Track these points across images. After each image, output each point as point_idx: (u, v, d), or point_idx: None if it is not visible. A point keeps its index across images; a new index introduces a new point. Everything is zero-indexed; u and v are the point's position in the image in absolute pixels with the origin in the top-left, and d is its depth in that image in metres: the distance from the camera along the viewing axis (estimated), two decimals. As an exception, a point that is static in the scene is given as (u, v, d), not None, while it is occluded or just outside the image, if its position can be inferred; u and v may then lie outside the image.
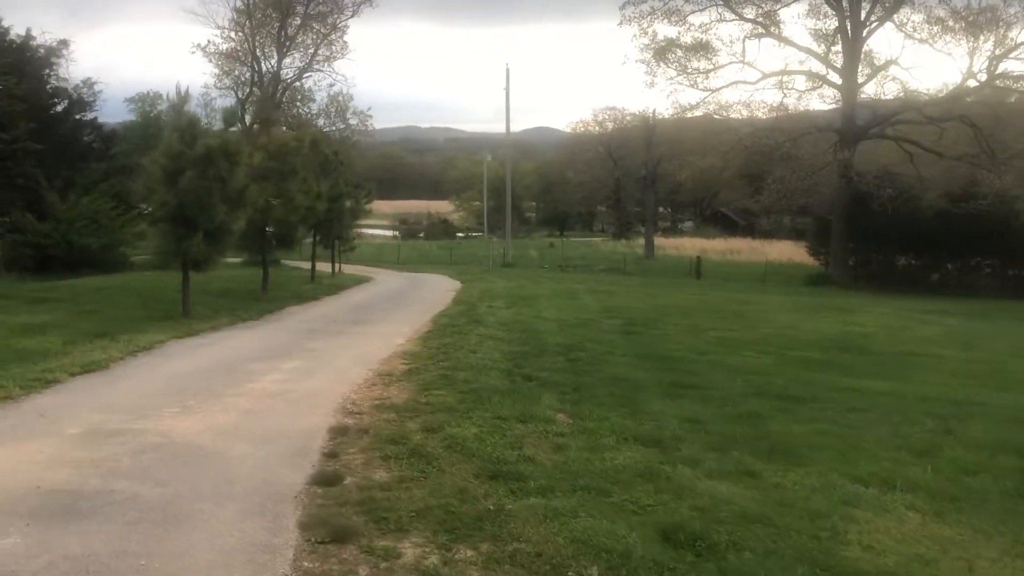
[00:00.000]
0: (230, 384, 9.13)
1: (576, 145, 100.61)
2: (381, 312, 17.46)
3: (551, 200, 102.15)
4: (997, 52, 34.90)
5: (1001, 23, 34.76)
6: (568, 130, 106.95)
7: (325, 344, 12.54)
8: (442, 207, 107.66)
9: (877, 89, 39.30)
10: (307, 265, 25.19)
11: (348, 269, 29.86)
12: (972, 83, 35.90)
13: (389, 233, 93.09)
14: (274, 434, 6.94)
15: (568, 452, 6.55)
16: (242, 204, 14.81)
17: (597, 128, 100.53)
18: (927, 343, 15.24)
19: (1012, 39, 34.92)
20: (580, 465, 6.15)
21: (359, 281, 26.61)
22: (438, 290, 24.14)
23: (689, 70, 40.61)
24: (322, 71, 44.73)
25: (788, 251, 57.54)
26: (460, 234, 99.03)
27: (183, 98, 14.63)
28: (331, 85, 45.59)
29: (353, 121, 48.17)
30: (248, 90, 43.25)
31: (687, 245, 67.46)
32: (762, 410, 8.46)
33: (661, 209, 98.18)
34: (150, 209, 15.36)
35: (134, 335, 12.44)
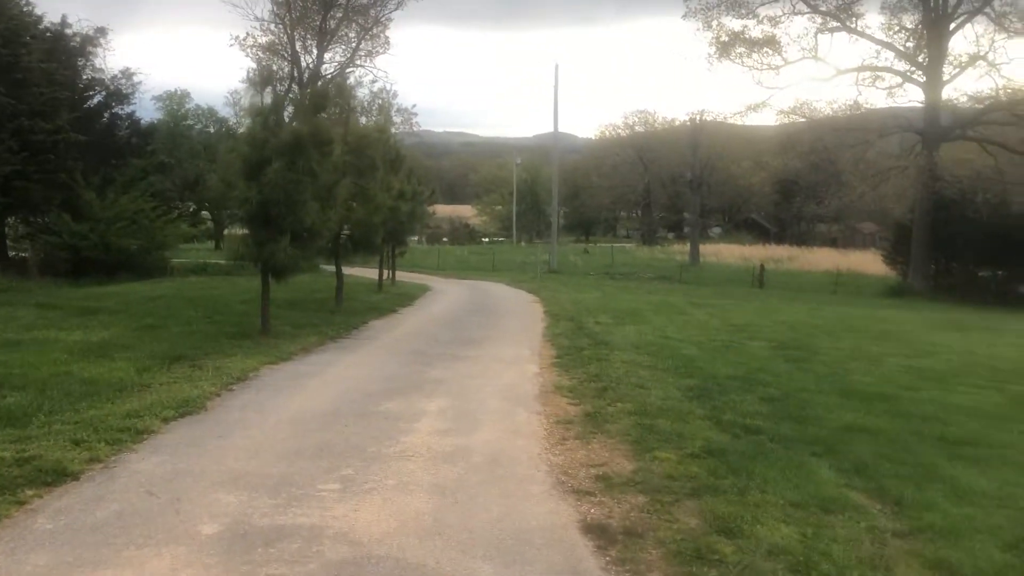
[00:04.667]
0: (379, 437, 6.86)
1: (602, 149, 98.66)
2: (478, 329, 15.19)
3: (578, 205, 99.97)
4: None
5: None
6: (593, 136, 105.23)
7: (449, 373, 10.27)
8: (463, 211, 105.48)
9: (965, 87, 36.82)
10: (350, 271, 22.70)
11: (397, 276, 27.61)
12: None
13: (413, 238, 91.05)
14: (508, 539, 4.67)
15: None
16: (332, 203, 12.57)
17: (625, 132, 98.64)
18: None
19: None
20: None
21: (423, 290, 24.37)
22: (515, 301, 21.90)
23: (757, 66, 38.14)
24: (364, 66, 42.61)
25: (831, 258, 55.26)
26: (485, 239, 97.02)
27: (265, 77, 12.43)
28: (373, 81, 43.42)
29: (398, 119, 45.92)
30: (288, 85, 41.10)
31: (724, 252, 65.17)
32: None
33: (688, 215, 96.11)
34: (228, 209, 13.06)
35: (217, 360, 10.26)
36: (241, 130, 12.02)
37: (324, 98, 12.98)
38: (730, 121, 45.35)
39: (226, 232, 60.15)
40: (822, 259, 56.86)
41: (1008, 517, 5.38)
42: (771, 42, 38.76)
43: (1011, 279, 36.16)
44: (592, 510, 5.19)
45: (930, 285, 35.42)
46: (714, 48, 39.18)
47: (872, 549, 4.72)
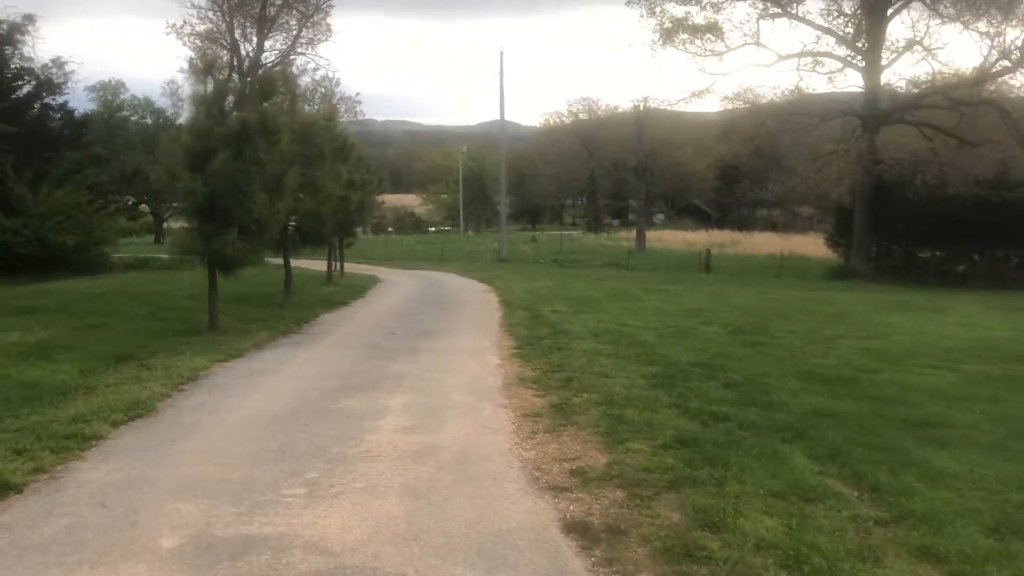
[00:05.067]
0: (342, 437, 6.60)
1: (547, 137, 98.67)
2: (434, 320, 14.93)
3: (524, 193, 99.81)
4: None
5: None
6: (537, 124, 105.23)
7: (409, 367, 10.02)
8: (408, 201, 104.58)
9: (903, 71, 37.42)
10: (297, 264, 22.05)
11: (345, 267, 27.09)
12: (1004, 64, 34.00)
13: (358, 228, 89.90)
14: (488, 542, 4.47)
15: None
16: (281, 193, 12.20)
17: (570, 120, 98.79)
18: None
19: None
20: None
21: (373, 281, 23.97)
22: (468, 290, 21.67)
23: (701, 52, 38.27)
24: (305, 55, 41.74)
25: (773, 242, 56.04)
26: (432, 228, 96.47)
27: (208, 64, 11.98)
28: (315, 70, 42.57)
29: (341, 108, 45.09)
30: (227, 74, 40.04)
31: (669, 237, 65.72)
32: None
33: (632, 202, 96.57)
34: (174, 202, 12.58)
35: (166, 358, 9.86)
36: (183, 120, 11.52)
37: (271, 85, 12.58)
38: (674, 108, 45.54)
39: (165, 226, 58.90)
40: (764, 243, 57.63)
41: (984, 500, 5.35)
42: (714, 28, 38.89)
43: (949, 260, 37.00)
44: (571, 507, 5.02)
45: (872, 267, 35.99)
46: (658, 35, 39.20)
47: (858, 539, 4.63)
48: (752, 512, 4.92)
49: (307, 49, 41.72)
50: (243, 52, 41.21)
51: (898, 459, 6.27)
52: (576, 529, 4.64)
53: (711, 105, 76.73)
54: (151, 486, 5.35)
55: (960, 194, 32.62)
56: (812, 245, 51.22)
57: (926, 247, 37.22)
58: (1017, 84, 34.75)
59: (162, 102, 60.97)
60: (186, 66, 40.05)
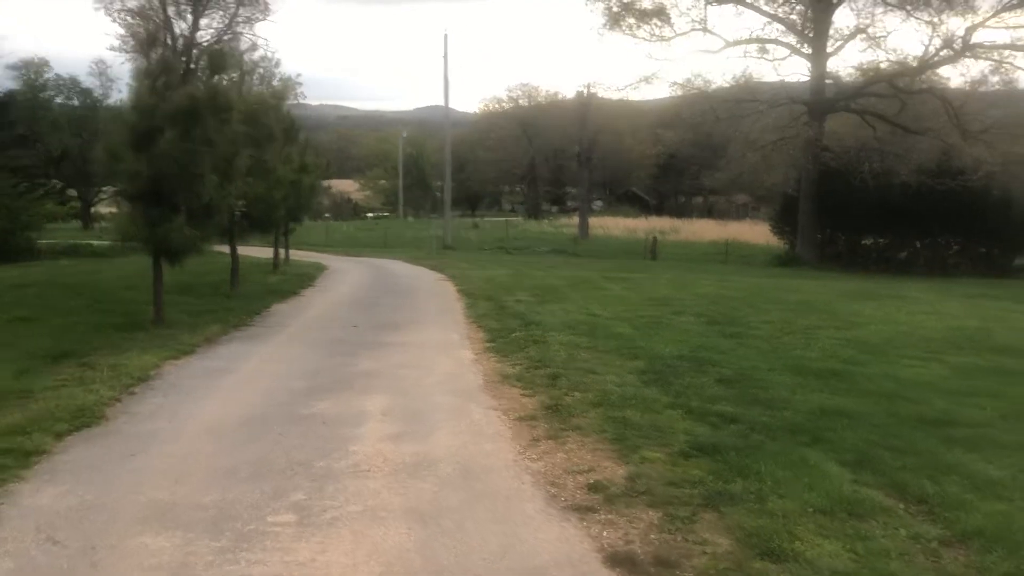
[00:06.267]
0: (323, 448, 5.88)
1: (486, 123, 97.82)
2: (394, 311, 14.17)
3: (463, 179, 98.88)
4: (973, 21, 33.42)
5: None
6: (476, 110, 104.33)
7: (379, 363, 9.29)
8: (344, 186, 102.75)
9: (850, 59, 37.66)
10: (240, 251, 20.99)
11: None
12: (947, 53, 34.36)
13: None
14: (522, 580, 3.84)
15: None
16: (232, 176, 11.31)
17: (510, 105, 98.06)
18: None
19: (988, 8, 33.50)
20: None
21: (320, 269, 22.99)
22: (421, 279, 20.89)
23: (648, 37, 37.95)
24: (244, 33, 40.20)
25: (713, 229, 56.52)
26: (370, 214, 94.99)
27: (151, 36, 11.02)
28: (254, 49, 41.03)
29: (270, 91, 43.49)
30: (160, 53, 38.25)
31: (610, 224, 65.63)
32: None
33: (571, 189, 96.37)
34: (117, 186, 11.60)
35: (110, 356, 8.97)
36: (121, 98, 10.56)
37: (221, 58, 11.64)
38: (621, 94, 45.15)
39: (93, 211, 56.53)
40: (704, 230, 58.07)
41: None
42: (661, 13, 38.60)
43: (892, 247, 37.48)
44: (605, 533, 4.41)
45: (817, 254, 36.23)
46: (605, 18, 38.77)
47: (930, 564, 4.14)
48: (807, 535, 4.38)
49: (245, 27, 40.21)
50: (176, 31, 39.49)
51: (931, 464, 5.82)
52: (621, 562, 4.03)
53: (656, 92, 76.63)
54: (111, 514, 4.58)
55: (904, 182, 32.98)
56: (752, 232, 51.67)
57: (869, 235, 37.64)
58: (959, 73, 35.23)
59: (89, 82, 58.39)
60: (116, 44, 38.28)
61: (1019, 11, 32.58)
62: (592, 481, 5.25)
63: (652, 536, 4.36)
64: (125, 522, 4.47)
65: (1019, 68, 34.08)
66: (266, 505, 4.74)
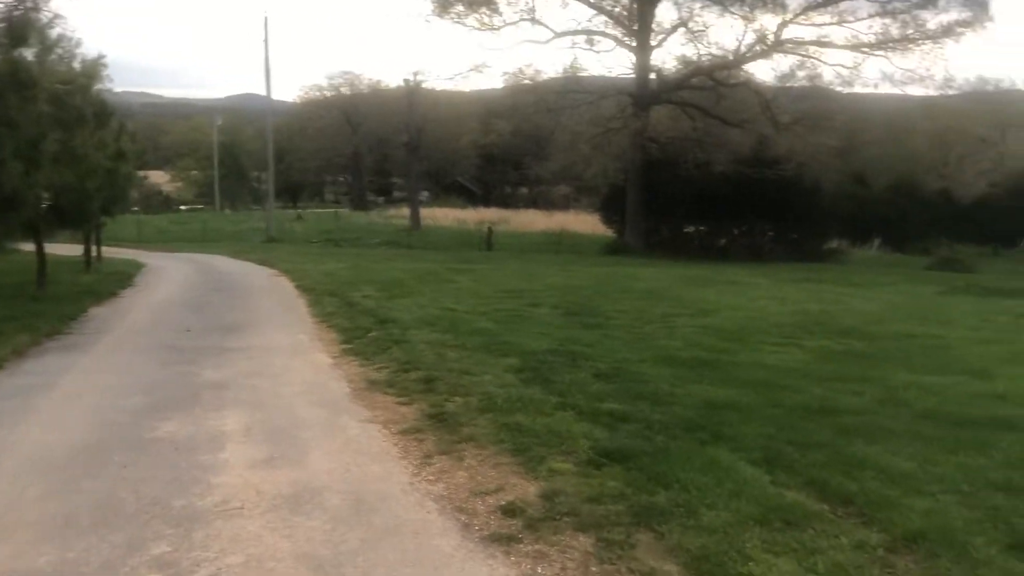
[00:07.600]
0: (180, 481, 4.97)
1: (306, 112, 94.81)
2: (230, 311, 12.99)
3: (283, 169, 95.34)
4: (784, 19, 35.24)
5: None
6: (294, 98, 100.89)
7: (226, 372, 8.29)
8: (154, 178, 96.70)
9: (674, 52, 38.86)
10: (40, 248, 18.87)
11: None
12: (760, 48, 36.08)
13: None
14: (463, 640, 3.19)
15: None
16: (39, 163, 9.87)
17: (331, 94, 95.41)
18: (910, 321, 13.52)
19: (796, 6, 35.42)
20: None
21: (137, 267, 21.09)
22: (253, 275, 19.57)
23: (476, 26, 37.65)
24: (39, 9, 36.45)
25: (540, 220, 57.35)
26: (183, 207, 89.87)
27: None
28: (51, 26, 37.27)
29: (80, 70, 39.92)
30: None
31: (440, 215, 65.22)
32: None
33: (397, 180, 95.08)
34: None
35: None
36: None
37: (24, 28, 10.11)
38: (450, 83, 44.72)
39: None
40: (532, 221, 58.64)
41: (970, 507, 4.73)
42: (489, 2, 38.42)
43: (711, 234, 39.14)
44: (540, 569, 3.84)
45: (644, 242, 37.20)
46: (434, 5, 38.15)
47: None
48: (756, 552, 4.00)
49: (41, 3, 36.48)
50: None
51: (838, 459, 5.62)
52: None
53: (485, 82, 76.83)
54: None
55: (722, 172, 34.44)
56: (578, 222, 52.68)
57: (691, 223, 39.13)
58: (771, 68, 37.13)
59: None
60: None
61: (824, 10, 34.66)
62: (504, 503, 4.66)
63: (593, 569, 3.84)
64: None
65: (824, 64, 36.11)
66: (122, 564, 3.83)
